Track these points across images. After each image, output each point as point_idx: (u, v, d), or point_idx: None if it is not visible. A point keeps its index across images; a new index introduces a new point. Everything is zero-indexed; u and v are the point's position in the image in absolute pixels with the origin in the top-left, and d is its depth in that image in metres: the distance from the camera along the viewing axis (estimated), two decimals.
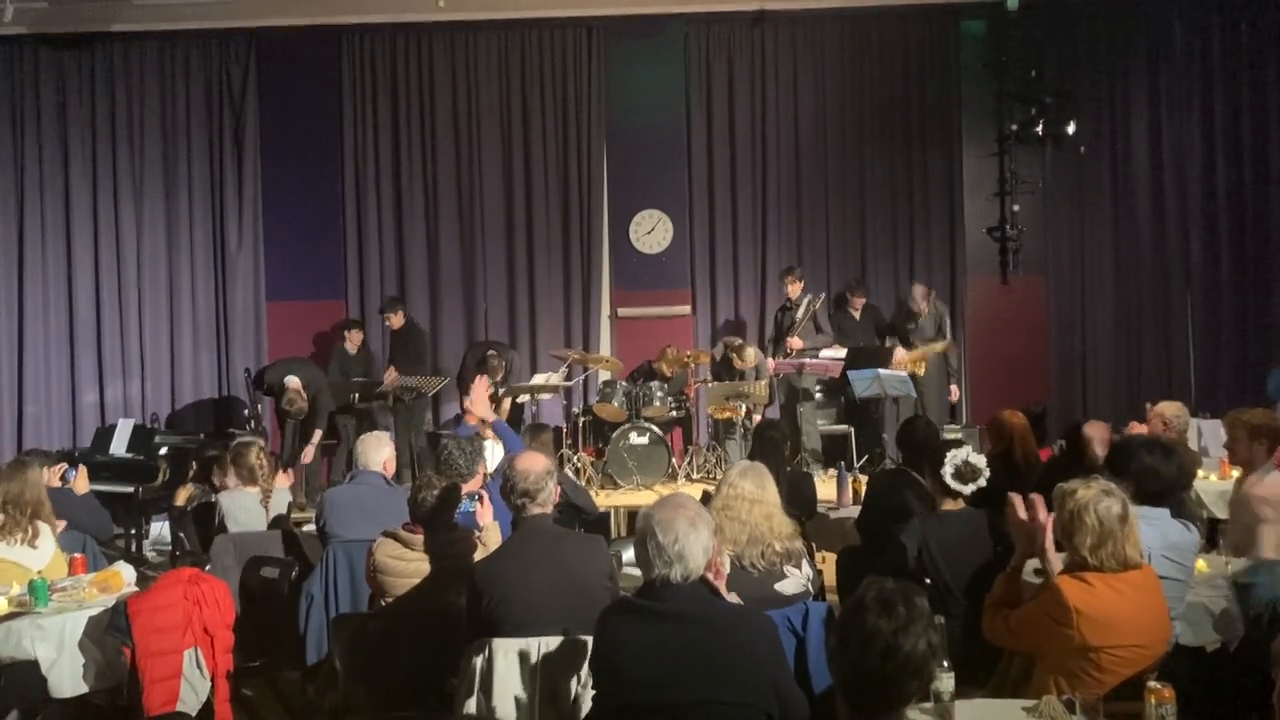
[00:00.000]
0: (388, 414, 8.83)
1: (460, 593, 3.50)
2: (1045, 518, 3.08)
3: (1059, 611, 2.85)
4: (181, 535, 5.42)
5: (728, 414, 8.25)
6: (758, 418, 8.17)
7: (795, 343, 8.52)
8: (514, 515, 3.52)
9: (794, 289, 8.85)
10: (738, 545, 3.56)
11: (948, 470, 3.92)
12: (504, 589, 3.28)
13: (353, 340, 9.12)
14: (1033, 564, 3.27)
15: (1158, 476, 3.56)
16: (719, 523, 3.43)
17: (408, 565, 3.86)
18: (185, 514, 5.82)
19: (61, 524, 4.80)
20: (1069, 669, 2.88)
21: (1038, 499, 3.15)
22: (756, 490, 3.65)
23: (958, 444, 4.04)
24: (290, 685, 4.76)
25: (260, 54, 9.72)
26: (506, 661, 3.23)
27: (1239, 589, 3.52)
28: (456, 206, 9.78)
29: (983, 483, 3.95)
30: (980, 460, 3.96)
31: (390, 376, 8.68)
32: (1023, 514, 3.12)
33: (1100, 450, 4.61)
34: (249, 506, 5.12)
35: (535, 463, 3.50)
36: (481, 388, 4.73)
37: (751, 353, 8.45)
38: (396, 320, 9.11)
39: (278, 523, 5.09)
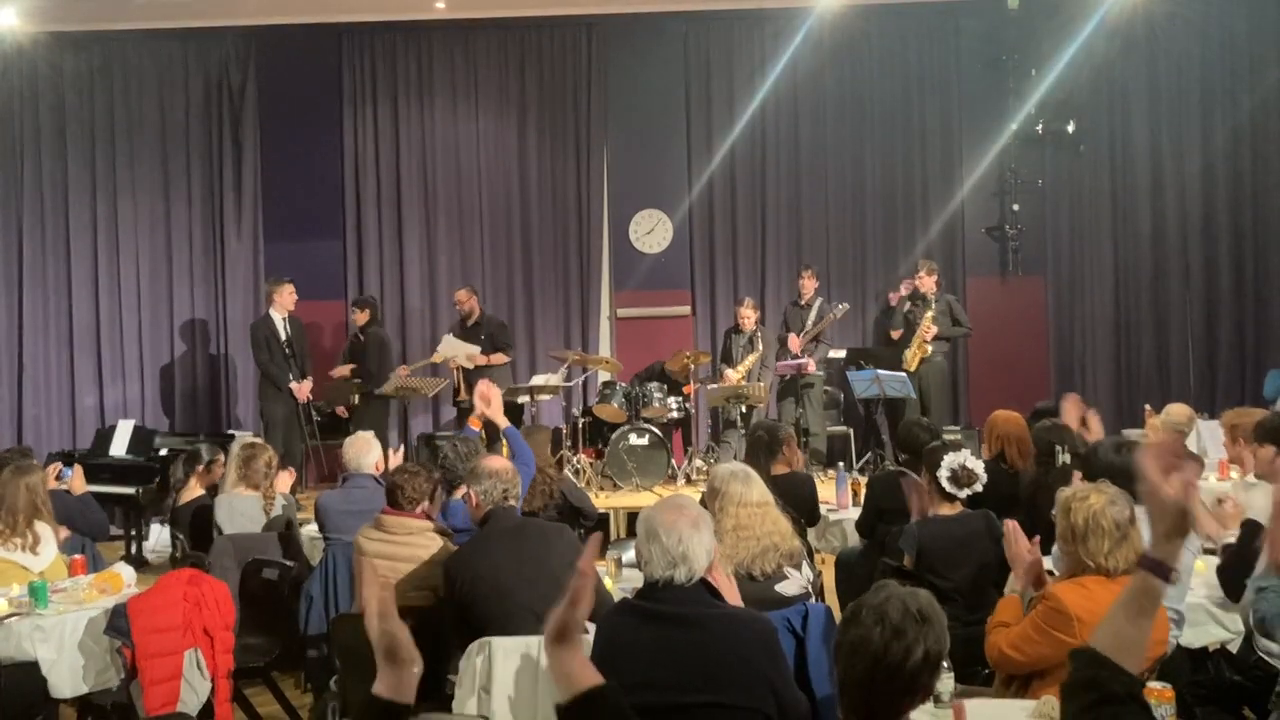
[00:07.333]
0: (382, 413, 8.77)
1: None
2: (1029, 545, 3.07)
3: (1060, 620, 2.83)
4: (180, 537, 5.39)
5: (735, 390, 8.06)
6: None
7: (795, 342, 8.47)
8: (484, 514, 3.63)
9: (808, 286, 8.69)
10: (750, 556, 3.44)
11: (943, 474, 3.87)
12: (472, 572, 3.45)
13: (359, 319, 8.72)
14: None
15: (1115, 472, 3.51)
16: (732, 544, 3.39)
17: (398, 549, 3.87)
18: (185, 513, 5.76)
19: (64, 532, 4.79)
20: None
21: (1016, 527, 3.14)
22: (761, 494, 3.60)
23: (955, 447, 3.99)
24: (290, 686, 4.77)
25: (260, 53, 9.73)
26: (506, 662, 3.24)
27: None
28: (456, 206, 9.78)
29: (979, 488, 3.90)
30: (978, 465, 3.91)
31: (339, 372, 8.61)
32: (1023, 543, 3.12)
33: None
34: (246, 509, 5.10)
35: (503, 461, 3.79)
36: (496, 393, 4.70)
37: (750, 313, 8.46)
38: (360, 318, 8.67)
39: (275, 524, 5.07)
